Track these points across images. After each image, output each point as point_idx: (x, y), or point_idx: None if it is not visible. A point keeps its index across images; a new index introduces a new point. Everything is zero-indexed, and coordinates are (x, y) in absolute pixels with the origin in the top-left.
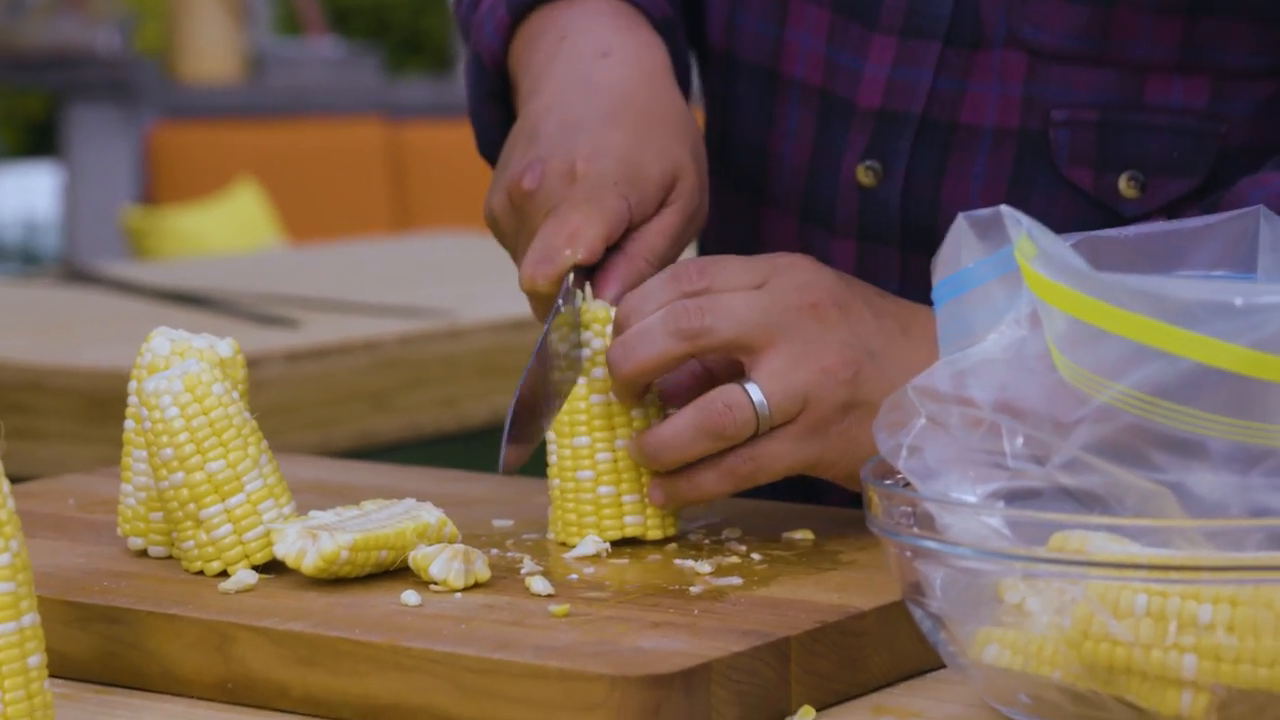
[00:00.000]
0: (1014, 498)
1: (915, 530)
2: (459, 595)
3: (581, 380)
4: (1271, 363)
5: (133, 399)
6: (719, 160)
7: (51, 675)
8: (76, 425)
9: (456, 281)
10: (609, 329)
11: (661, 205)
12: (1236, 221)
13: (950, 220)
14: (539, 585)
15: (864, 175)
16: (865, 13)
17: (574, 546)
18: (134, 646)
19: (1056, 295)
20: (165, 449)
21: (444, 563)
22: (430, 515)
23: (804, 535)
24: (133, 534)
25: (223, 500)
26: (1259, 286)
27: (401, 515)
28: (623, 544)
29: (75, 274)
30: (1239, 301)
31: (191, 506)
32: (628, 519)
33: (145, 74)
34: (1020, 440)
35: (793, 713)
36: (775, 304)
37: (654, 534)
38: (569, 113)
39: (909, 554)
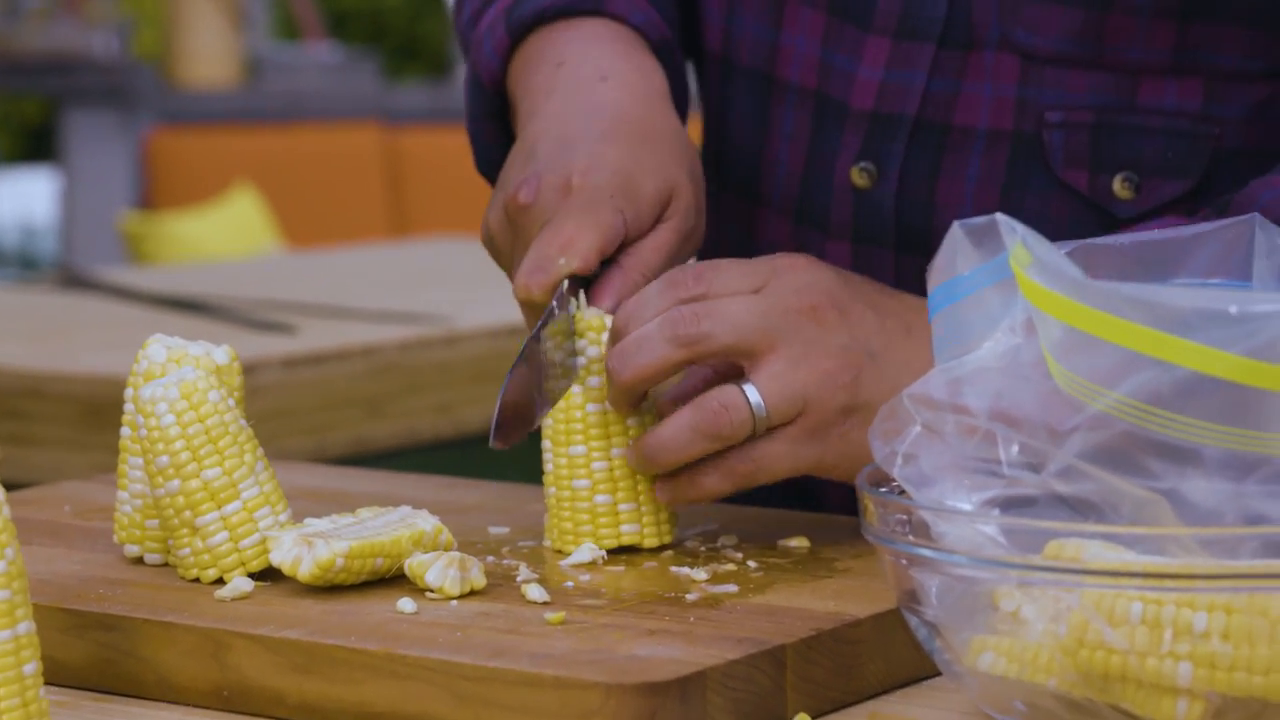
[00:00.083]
0: (1009, 505)
1: (910, 538)
2: (455, 603)
3: (577, 389)
4: (1266, 370)
5: (129, 406)
6: (715, 164)
7: (47, 683)
8: (73, 432)
9: (453, 287)
10: (604, 337)
11: (657, 222)
12: (1231, 229)
13: (944, 222)
14: (535, 593)
15: (858, 177)
16: (860, 15)
17: (570, 554)
18: (130, 654)
19: (1051, 303)
20: (161, 456)
21: (440, 570)
22: (426, 523)
23: (800, 543)
24: (129, 541)
25: (219, 507)
26: (1253, 295)
27: (397, 523)
28: (619, 551)
29: (72, 280)
30: (1233, 309)
31: (187, 514)
32: (624, 527)
33: (143, 79)
34: (1015, 448)
35: None
36: (774, 308)
37: (650, 542)
38: (566, 131)
39: (904, 562)
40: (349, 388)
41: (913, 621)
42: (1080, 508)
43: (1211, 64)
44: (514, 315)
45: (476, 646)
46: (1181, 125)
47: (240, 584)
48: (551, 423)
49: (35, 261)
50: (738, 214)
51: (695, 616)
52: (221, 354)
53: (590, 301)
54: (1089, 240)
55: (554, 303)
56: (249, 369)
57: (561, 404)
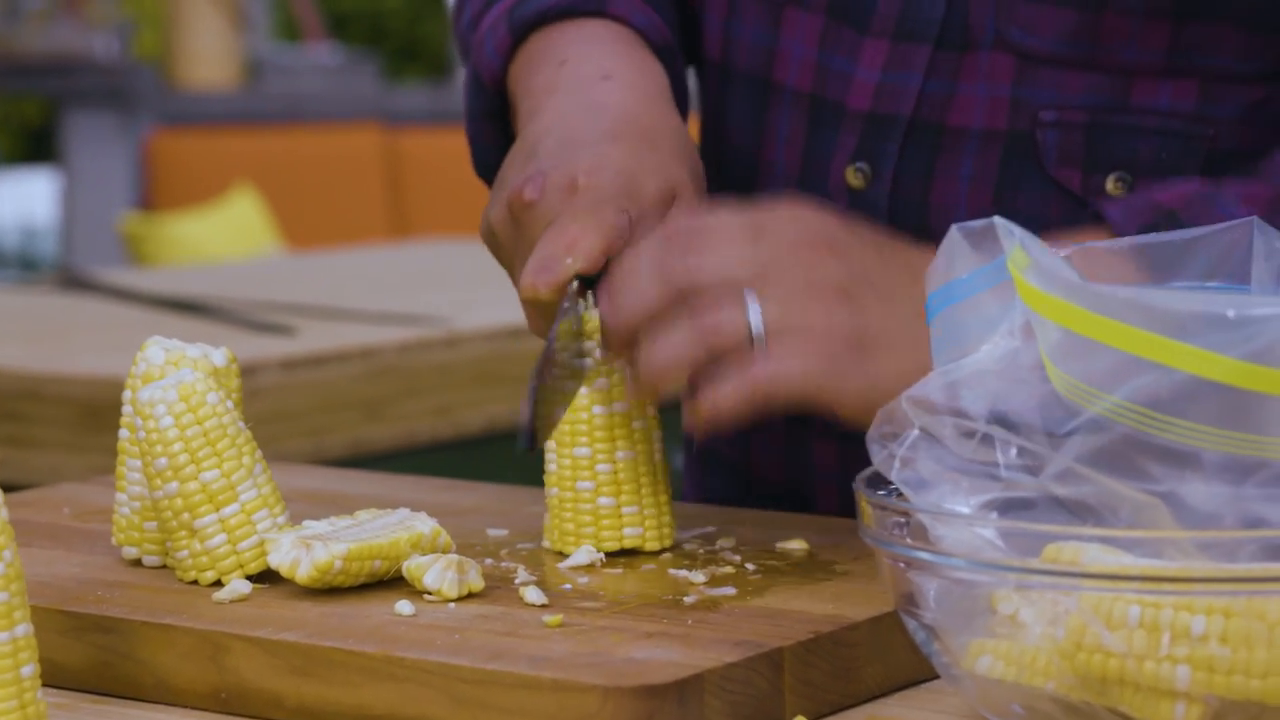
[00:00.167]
0: (1007, 509)
1: (908, 541)
2: (453, 605)
3: (584, 390)
4: (1264, 374)
5: (127, 408)
6: (713, 167)
7: (45, 685)
8: (72, 434)
9: (453, 289)
10: None
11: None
12: (1230, 232)
13: (939, 222)
14: (533, 595)
15: (853, 177)
16: (858, 17)
17: (569, 556)
18: (128, 656)
19: (1049, 307)
20: (160, 458)
21: (438, 573)
22: (424, 525)
23: (798, 545)
24: (127, 543)
25: (217, 510)
26: (1252, 298)
27: (395, 525)
28: (617, 554)
29: (72, 281)
30: (1231, 313)
31: (186, 516)
32: (626, 530)
33: (143, 81)
34: (1013, 451)
35: None
36: (767, 243)
37: (652, 545)
38: (569, 131)
39: (902, 565)
40: (348, 389)
41: (911, 624)
42: (1078, 511)
43: (1206, 65)
44: (513, 317)
45: (474, 649)
46: (1175, 126)
47: (238, 586)
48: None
49: (35, 262)
50: None
51: (693, 619)
52: (219, 356)
53: (595, 302)
54: (1087, 243)
55: (566, 302)
56: (248, 371)
57: None
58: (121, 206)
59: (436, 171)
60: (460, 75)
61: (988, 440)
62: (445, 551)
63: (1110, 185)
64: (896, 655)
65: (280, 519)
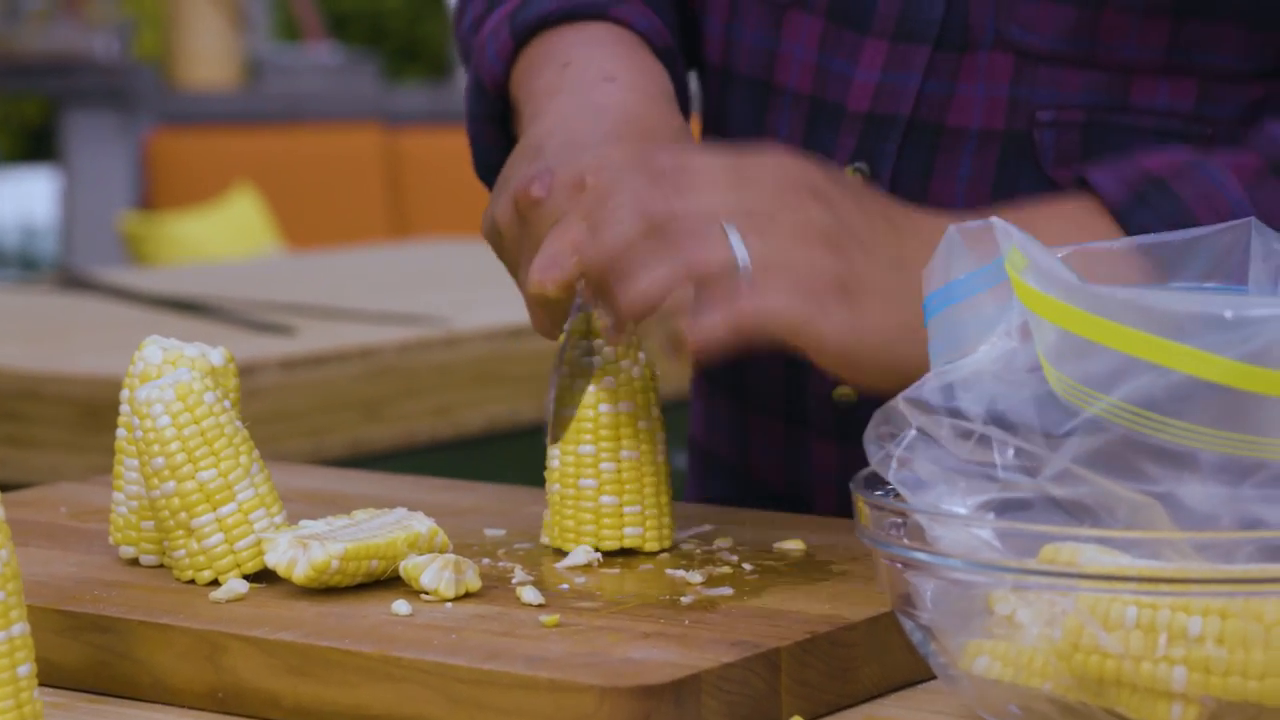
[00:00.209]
0: (1004, 509)
1: (905, 542)
2: (450, 605)
3: (591, 388)
4: (1261, 375)
5: (124, 408)
6: None
7: (42, 684)
8: (72, 433)
9: (453, 289)
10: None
11: None
12: (1228, 233)
13: None
14: (530, 595)
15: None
16: (858, 19)
17: (567, 554)
18: (125, 656)
19: (1047, 307)
20: (157, 458)
21: (435, 572)
22: (421, 525)
23: (795, 546)
24: (124, 543)
25: (214, 509)
26: (1249, 299)
27: (393, 525)
28: (614, 554)
29: (72, 280)
30: (1228, 314)
31: (183, 515)
32: (627, 529)
33: (143, 80)
34: (1011, 452)
35: None
36: (751, 187)
37: (651, 546)
38: (573, 133)
39: (899, 565)
40: (347, 389)
41: (908, 625)
42: (1075, 512)
43: (1205, 64)
44: (514, 317)
45: (471, 649)
46: (1173, 125)
47: (235, 586)
48: None
49: (35, 262)
50: None
51: (690, 619)
52: (217, 355)
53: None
54: (1085, 244)
55: (579, 299)
56: (247, 370)
57: None
58: (121, 206)
59: (436, 171)
60: (460, 76)
61: (985, 441)
62: (442, 551)
63: None
64: (893, 656)
65: (277, 518)
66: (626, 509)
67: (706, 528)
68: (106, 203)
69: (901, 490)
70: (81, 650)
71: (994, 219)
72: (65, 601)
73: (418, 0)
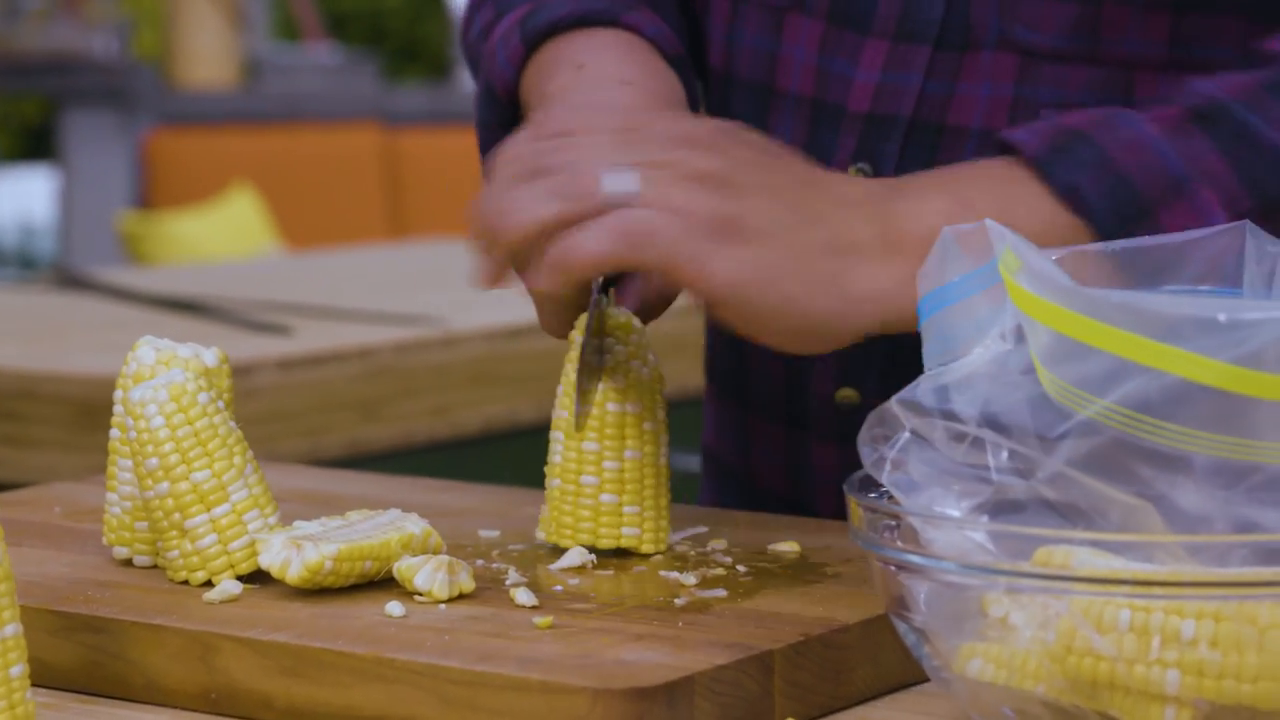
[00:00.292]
0: (998, 512)
1: (899, 544)
2: (443, 606)
3: (600, 386)
4: (1255, 378)
5: (118, 408)
6: None
7: (35, 685)
8: (68, 433)
9: (451, 289)
10: (631, 337)
11: None
12: (1223, 236)
13: None
14: (523, 597)
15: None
16: (859, 20)
17: (562, 553)
18: (118, 657)
19: (1041, 310)
20: (150, 458)
21: (428, 574)
22: (415, 526)
23: (789, 548)
24: (118, 543)
25: (208, 510)
26: (1242, 302)
27: (386, 525)
28: (608, 555)
29: (70, 280)
30: (1222, 317)
31: (176, 516)
32: (625, 529)
33: (142, 80)
34: (1004, 454)
35: None
36: (639, 143)
37: (648, 548)
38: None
39: (893, 568)
40: (345, 389)
41: (901, 628)
42: (1069, 514)
43: (1206, 58)
44: (512, 317)
45: (464, 650)
46: None
47: (229, 587)
48: (566, 414)
49: (34, 261)
50: None
51: (684, 621)
52: (211, 356)
53: (617, 299)
54: (1079, 247)
55: (595, 294)
56: (245, 370)
57: None
58: (120, 205)
59: (435, 171)
60: (459, 76)
61: (979, 443)
62: (436, 552)
63: None
64: (887, 658)
65: (271, 519)
66: (626, 509)
67: (701, 529)
68: (105, 202)
69: (895, 492)
70: (74, 651)
71: (988, 221)
72: (58, 602)
73: (417, 0)
